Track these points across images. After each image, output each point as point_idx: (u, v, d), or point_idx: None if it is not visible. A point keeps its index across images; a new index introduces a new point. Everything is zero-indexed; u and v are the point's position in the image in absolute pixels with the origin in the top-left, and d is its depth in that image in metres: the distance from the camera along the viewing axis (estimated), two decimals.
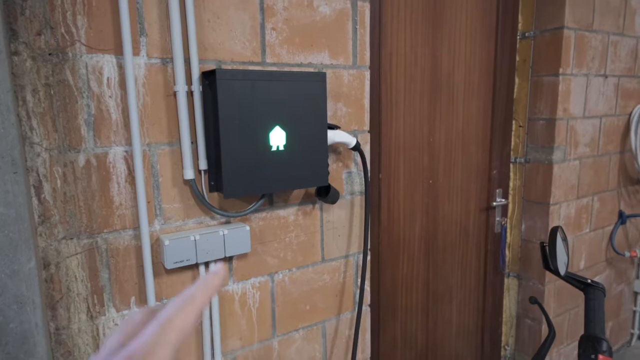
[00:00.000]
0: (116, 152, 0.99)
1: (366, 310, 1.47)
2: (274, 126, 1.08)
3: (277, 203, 1.24)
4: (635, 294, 2.65)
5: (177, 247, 1.04)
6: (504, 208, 2.09)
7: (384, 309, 1.74)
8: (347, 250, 1.40)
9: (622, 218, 2.37)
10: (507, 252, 2.15)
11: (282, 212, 1.25)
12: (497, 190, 2.05)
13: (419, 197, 1.78)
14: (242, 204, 1.18)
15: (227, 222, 1.17)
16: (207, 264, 1.13)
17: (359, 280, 1.43)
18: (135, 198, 1.02)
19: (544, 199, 2.03)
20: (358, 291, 1.42)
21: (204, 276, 0.30)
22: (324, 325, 1.38)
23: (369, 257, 1.44)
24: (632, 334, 2.69)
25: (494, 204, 2.03)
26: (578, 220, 2.17)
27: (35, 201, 0.90)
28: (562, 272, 0.85)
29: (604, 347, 0.73)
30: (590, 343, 0.74)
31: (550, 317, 1.95)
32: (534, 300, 0.92)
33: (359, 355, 1.47)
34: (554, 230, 0.85)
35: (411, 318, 1.84)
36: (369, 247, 1.42)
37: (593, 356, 0.73)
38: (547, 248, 0.86)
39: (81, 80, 0.93)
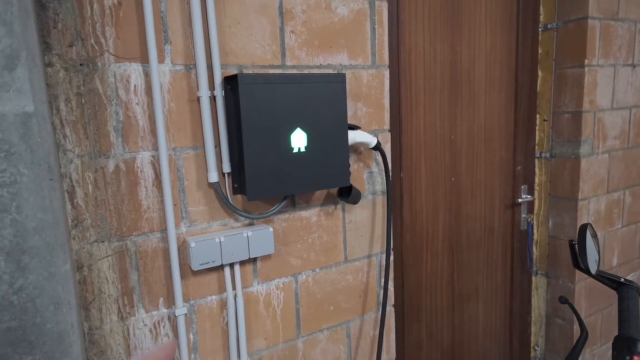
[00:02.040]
0: (144, 157, 1.02)
1: (390, 310, 1.47)
2: (295, 128, 1.09)
3: (300, 204, 1.25)
4: None
5: (202, 248, 1.07)
6: (530, 204, 2.05)
7: (408, 309, 1.73)
8: (369, 250, 1.40)
9: None
10: (534, 249, 2.11)
11: (304, 213, 1.26)
12: (522, 187, 2.01)
13: (441, 195, 1.76)
14: (265, 205, 1.20)
15: (251, 224, 1.19)
16: (231, 265, 1.15)
17: (383, 280, 1.42)
18: (162, 201, 1.05)
19: (572, 194, 1.98)
20: (382, 291, 1.42)
21: (153, 349, 0.29)
22: (348, 326, 1.38)
23: (392, 257, 1.43)
24: None
25: (520, 200, 1.99)
26: (609, 216, 2.10)
27: (68, 206, 0.93)
28: (593, 270, 0.83)
29: (638, 347, 0.71)
30: (624, 344, 0.72)
31: (582, 317, 1.90)
32: (563, 300, 0.90)
33: (384, 356, 1.47)
34: (583, 227, 0.83)
35: (436, 318, 1.82)
36: (391, 246, 1.42)
37: (628, 358, 0.71)
38: (576, 246, 0.84)
39: (110, 88, 0.96)
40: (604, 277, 0.83)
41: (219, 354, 1.16)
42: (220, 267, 1.14)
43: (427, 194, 1.72)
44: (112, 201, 1.00)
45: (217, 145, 1.11)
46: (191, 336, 1.12)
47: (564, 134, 2.00)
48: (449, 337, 1.88)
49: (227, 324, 1.17)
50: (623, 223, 2.18)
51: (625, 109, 2.09)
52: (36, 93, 0.71)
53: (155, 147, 1.03)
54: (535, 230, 2.09)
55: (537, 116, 2.05)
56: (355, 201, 1.27)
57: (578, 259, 0.84)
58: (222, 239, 1.09)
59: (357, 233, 1.37)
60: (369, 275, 1.40)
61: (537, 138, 2.06)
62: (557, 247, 2.06)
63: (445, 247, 1.81)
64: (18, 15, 0.65)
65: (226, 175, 1.13)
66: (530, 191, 2.05)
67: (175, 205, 1.07)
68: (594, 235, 0.86)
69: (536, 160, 2.07)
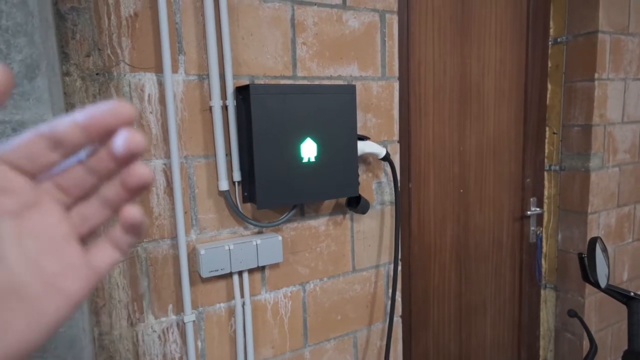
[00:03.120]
0: (156, 165, 1.04)
1: (397, 321, 1.46)
2: (305, 138, 1.11)
3: (309, 213, 1.26)
4: None
5: (212, 256, 1.07)
6: (539, 217, 2.04)
7: (416, 320, 1.72)
8: (377, 260, 1.40)
9: None
10: (543, 262, 2.09)
11: (313, 223, 1.27)
12: (532, 199, 2.00)
13: (449, 206, 1.76)
14: (274, 214, 1.21)
15: (260, 232, 1.19)
16: (240, 273, 1.15)
17: (390, 290, 1.42)
18: (173, 209, 1.07)
19: (582, 208, 1.96)
20: (389, 302, 1.42)
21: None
22: (355, 336, 1.38)
23: (399, 267, 1.43)
24: None
25: (528, 213, 1.98)
26: (619, 230, 2.08)
27: None
28: (603, 284, 0.82)
29: None
30: (634, 358, 0.71)
31: (592, 332, 1.87)
32: (573, 314, 0.89)
33: None
34: (593, 240, 0.83)
35: (443, 330, 1.81)
36: (399, 257, 1.42)
37: None
38: (585, 259, 0.83)
39: (125, 97, 0.98)
40: (613, 291, 0.83)
41: None
42: (229, 275, 1.15)
43: (436, 205, 1.72)
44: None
45: (228, 154, 1.12)
46: (199, 343, 1.12)
47: (573, 147, 1.99)
48: (456, 349, 1.86)
49: (234, 331, 1.17)
50: (634, 237, 2.15)
51: (636, 123, 2.08)
52: (55, 102, 0.73)
53: (168, 155, 1.05)
54: (544, 244, 2.08)
55: (547, 129, 2.05)
56: (363, 211, 1.27)
57: (587, 273, 0.83)
58: (232, 247, 1.10)
59: (365, 243, 1.37)
60: (376, 285, 1.40)
61: (546, 151, 2.05)
62: (567, 261, 2.04)
63: (453, 259, 1.80)
64: (39, 26, 0.67)
65: (236, 183, 1.15)
66: (540, 204, 2.04)
67: (185, 212, 1.08)
68: (604, 249, 0.85)
69: (545, 173, 2.06)
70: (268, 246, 1.15)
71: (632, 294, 0.80)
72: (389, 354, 1.36)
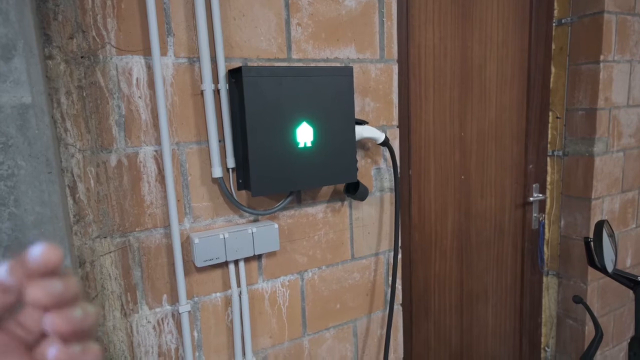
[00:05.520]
0: (146, 152, 1.01)
1: (398, 309, 1.44)
2: (301, 122, 1.07)
3: (306, 201, 1.23)
4: None
5: (206, 245, 1.05)
6: (542, 203, 2.01)
7: (417, 309, 1.70)
8: (377, 248, 1.37)
9: None
10: (545, 249, 2.06)
11: (310, 210, 1.24)
12: (534, 185, 1.97)
13: (451, 193, 1.72)
14: (270, 201, 1.18)
15: (256, 220, 1.17)
16: (236, 262, 1.13)
17: (390, 278, 1.39)
18: (165, 197, 1.03)
19: (585, 194, 1.93)
20: (389, 290, 1.39)
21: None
22: (355, 325, 1.36)
23: (400, 255, 1.40)
24: None
25: (531, 199, 1.94)
26: (623, 216, 2.05)
27: (70, 201, 0.92)
28: (610, 269, 0.79)
29: None
30: (638, 341, 0.69)
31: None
32: (578, 300, 0.86)
33: (391, 355, 1.44)
34: (600, 224, 0.80)
35: (445, 318, 1.79)
36: (399, 244, 1.39)
37: None
38: (592, 244, 0.81)
39: (112, 81, 0.94)
40: (620, 276, 0.80)
41: (224, 351, 1.15)
42: (225, 264, 1.12)
43: (437, 191, 1.69)
44: (115, 196, 0.98)
45: (221, 139, 1.08)
46: (195, 333, 1.10)
47: (577, 132, 1.95)
48: (458, 337, 1.84)
49: (231, 321, 1.15)
50: (637, 223, 2.12)
51: None
52: (34, 84, 0.69)
53: (158, 142, 1.02)
54: (546, 230, 2.05)
55: (550, 113, 2.00)
56: (362, 198, 1.24)
57: (594, 257, 0.80)
58: (227, 236, 1.07)
59: (365, 230, 1.34)
60: (376, 273, 1.38)
61: (549, 136, 2.01)
62: (569, 247, 2.01)
63: (454, 246, 1.77)
64: (14, 3, 0.63)
65: (230, 170, 1.11)
66: (542, 190, 2.00)
67: (178, 200, 1.05)
68: (611, 233, 0.82)
69: (548, 159, 2.02)
70: (264, 234, 1.12)
71: (639, 278, 0.77)
72: (389, 342, 1.34)
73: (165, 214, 1.04)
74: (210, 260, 1.05)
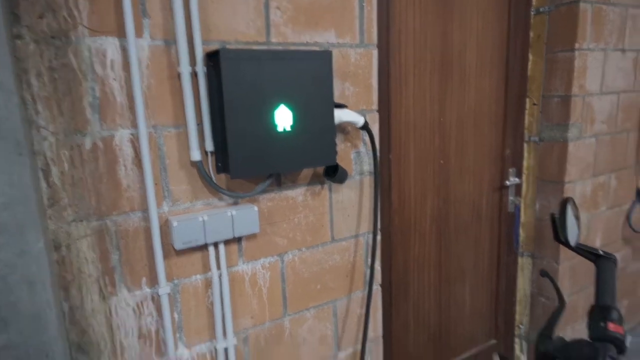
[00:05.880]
0: (122, 135, 1.00)
1: (377, 289, 1.47)
2: (279, 105, 1.07)
3: (285, 184, 1.24)
4: None
5: (185, 228, 1.05)
6: (518, 188, 2.06)
7: (396, 290, 1.74)
8: (357, 230, 1.39)
9: (639, 196, 2.31)
10: (520, 231, 2.12)
11: (290, 193, 1.25)
12: (511, 170, 2.02)
13: (430, 177, 1.76)
14: (249, 185, 1.18)
15: (235, 204, 1.17)
16: (216, 245, 1.13)
17: (370, 259, 1.42)
18: (142, 180, 1.03)
19: (559, 178, 1.99)
20: (369, 271, 1.42)
21: None
22: (335, 305, 1.39)
23: (379, 237, 1.43)
24: None
25: (508, 183, 1.99)
26: (594, 199, 2.12)
27: (44, 184, 0.91)
28: (573, 243, 0.83)
29: (614, 315, 0.72)
30: (599, 312, 0.73)
31: (565, 295, 1.92)
32: (544, 273, 0.91)
33: (370, 334, 1.48)
34: (565, 201, 0.83)
35: (423, 299, 1.84)
36: (379, 226, 1.41)
37: (602, 324, 0.72)
38: (557, 219, 0.84)
39: (85, 63, 0.93)
40: (583, 250, 0.84)
41: (205, 332, 1.16)
42: (205, 247, 1.13)
43: (416, 176, 1.71)
44: (90, 180, 0.97)
45: (200, 123, 1.08)
46: (175, 315, 1.11)
47: (553, 118, 2.00)
48: (436, 317, 1.90)
49: (212, 303, 1.16)
50: (608, 206, 2.20)
51: (614, 94, 2.09)
52: (1, 64, 0.68)
53: (135, 125, 1.01)
54: (522, 213, 2.11)
55: (527, 100, 2.05)
56: (341, 180, 1.26)
57: (558, 232, 0.84)
58: (206, 218, 1.07)
59: (344, 213, 1.36)
60: (356, 255, 1.40)
61: (526, 122, 2.06)
62: (543, 229, 2.08)
63: (433, 229, 1.81)
64: None
65: (209, 154, 1.11)
66: (519, 174, 2.06)
67: (156, 184, 1.05)
68: (575, 209, 0.86)
69: (525, 144, 2.07)
70: (244, 217, 1.13)
71: (600, 252, 0.81)
72: (369, 321, 1.38)
73: (143, 197, 1.04)
74: (189, 242, 1.06)
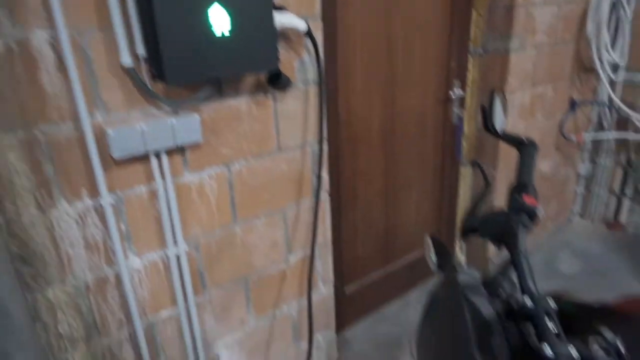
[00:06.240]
0: (40, 38, 0.91)
1: (325, 197, 1.53)
2: (213, 2, 1.01)
3: (227, 92, 1.21)
4: (579, 176, 2.85)
5: (123, 137, 1.02)
6: (462, 100, 2.12)
7: (345, 198, 1.82)
8: (303, 139, 1.41)
9: (573, 106, 2.46)
10: (463, 142, 2.23)
11: (233, 102, 1.22)
12: (455, 82, 2.06)
13: (376, 88, 1.77)
14: (189, 93, 1.14)
15: (176, 113, 1.14)
16: (158, 155, 1.11)
17: (317, 168, 1.46)
18: (70, 88, 0.97)
19: (500, 89, 2.06)
20: (316, 179, 1.46)
21: None
22: (284, 212, 1.44)
23: (325, 147, 1.46)
24: (573, 213, 2.96)
25: (452, 95, 2.05)
26: (532, 109, 2.24)
27: None
28: (499, 130, 0.90)
29: (530, 190, 0.80)
30: (517, 188, 0.81)
31: (500, 202, 2.09)
32: (474, 163, 0.98)
33: (320, 239, 1.56)
34: (493, 91, 0.88)
35: (371, 206, 1.94)
36: (325, 136, 1.43)
37: (519, 198, 0.80)
38: (486, 109, 0.90)
39: None
40: (508, 137, 0.90)
41: (155, 241, 1.18)
42: (146, 157, 1.10)
43: (363, 86, 1.72)
44: (9, 88, 0.90)
45: (128, 25, 1.00)
46: (122, 226, 1.11)
47: (497, 29, 2.02)
48: (383, 223, 2.02)
49: (159, 213, 1.16)
50: (544, 115, 2.34)
51: (555, 5, 2.12)
52: None
53: (53, 25, 0.92)
54: (465, 124, 2.20)
55: (473, 11, 2.04)
56: (284, 87, 1.24)
57: (487, 121, 0.90)
58: (144, 127, 1.04)
59: (290, 123, 1.36)
60: (303, 164, 1.43)
61: (472, 34, 2.07)
62: (484, 140, 2.19)
63: (380, 141, 1.86)
64: None
65: (142, 59, 1.05)
66: (463, 87, 2.11)
67: (86, 92, 0.99)
68: (503, 99, 0.91)
69: (470, 57, 2.10)
70: (185, 126, 1.11)
71: (524, 139, 0.88)
72: (317, 227, 1.45)
73: (73, 106, 0.98)
74: (128, 152, 1.03)
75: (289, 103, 1.34)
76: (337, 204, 1.78)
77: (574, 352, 0.54)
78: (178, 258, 1.21)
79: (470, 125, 2.20)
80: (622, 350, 0.59)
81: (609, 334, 0.60)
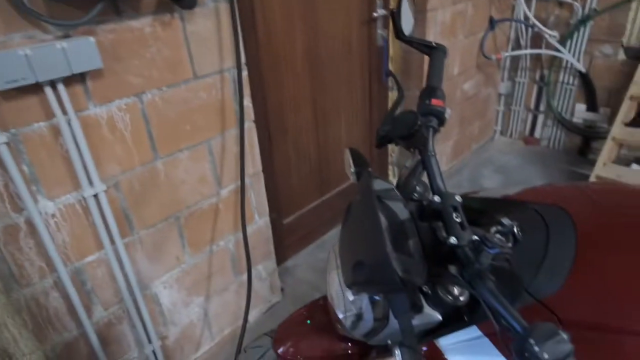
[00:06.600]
0: None
1: (250, 126, 1.49)
2: None
3: (126, 12, 1.08)
4: (500, 95, 3.02)
5: (4, 64, 0.89)
6: (385, 20, 2.09)
7: (274, 127, 1.78)
8: (220, 65, 1.33)
9: (492, 24, 2.53)
10: (390, 65, 2.24)
11: (134, 23, 1.11)
12: (378, 1, 2.02)
13: (297, 10, 1.68)
14: (80, 14, 1.01)
15: (67, 36, 1.01)
16: (53, 85, 1.00)
17: (239, 96, 1.40)
18: None
19: (422, 7, 2.05)
20: (238, 107, 1.41)
21: None
22: (209, 144, 1.38)
23: (245, 72, 1.39)
24: (495, 131, 3.16)
25: (375, 15, 2.01)
26: (453, 27, 2.27)
27: None
28: (407, 32, 0.89)
29: (438, 93, 0.83)
30: (426, 92, 0.83)
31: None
32: (388, 73, 0.98)
33: (250, 170, 1.54)
34: None
35: (302, 135, 1.93)
36: (243, 60, 1.36)
37: (427, 101, 0.82)
38: (395, 12, 0.88)
39: None
40: (417, 43, 0.91)
41: (67, 182, 1.09)
42: (39, 89, 0.99)
43: (282, 8, 1.63)
44: None
45: None
46: (25, 167, 1.01)
47: None
48: (316, 151, 2.03)
49: (67, 152, 1.07)
50: (465, 34, 2.39)
51: None
52: None
53: None
54: (390, 46, 2.19)
55: None
56: (190, 5, 1.14)
57: (396, 25, 0.89)
58: (29, 52, 0.92)
59: (204, 46, 1.27)
60: (223, 92, 1.36)
61: None
62: (409, 62, 2.21)
63: (305, 66, 1.81)
64: None
65: None
66: (386, 5, 2.07)
67: None
68: (412, 3, 0.90)
69: None
70: (79, 50, 0.99)
71: (433, 43, 0.89)
72: (244, 157, 1.41)
73: None
74: (14, 82, 0.91)
75: (199, 23, 1.24)
76: (266, 133, 1.75)
77: (474, 238, 0.58)
78: (97, 198, 1.14)
79: (395, 47, 2.20)
80: (518, 233, 0.65)
81: (507, 221, 0.66)
